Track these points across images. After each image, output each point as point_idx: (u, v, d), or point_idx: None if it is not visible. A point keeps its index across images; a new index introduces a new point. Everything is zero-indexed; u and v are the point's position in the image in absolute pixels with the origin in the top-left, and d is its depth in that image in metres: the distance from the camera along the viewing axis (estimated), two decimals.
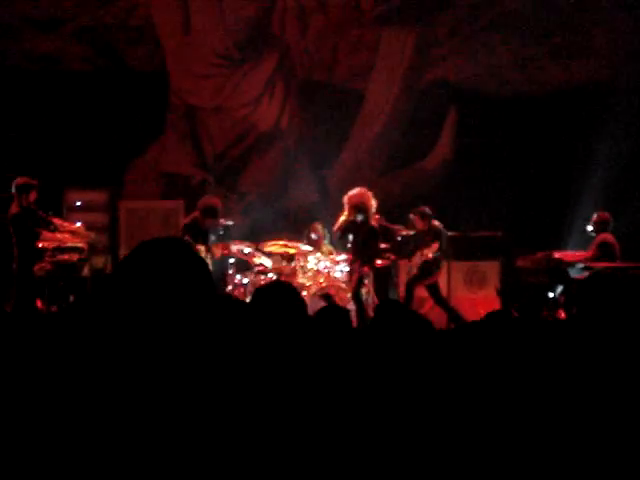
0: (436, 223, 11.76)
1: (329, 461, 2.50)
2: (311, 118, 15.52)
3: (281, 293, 3.73)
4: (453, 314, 11.62)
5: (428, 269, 11.62)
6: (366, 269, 11.24)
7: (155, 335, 2.11)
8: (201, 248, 10.97)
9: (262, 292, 3.83)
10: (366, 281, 11.27)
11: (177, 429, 2.08)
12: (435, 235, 11.65)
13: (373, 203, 11.20)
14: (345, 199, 11.28)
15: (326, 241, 12.67)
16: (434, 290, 11.83)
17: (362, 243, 11.17)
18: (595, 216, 11.86)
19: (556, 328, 3.68)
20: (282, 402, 2.60)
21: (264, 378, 2.70)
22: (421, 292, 12.06)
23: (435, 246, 11.55)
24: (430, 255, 11.51)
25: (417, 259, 11.70)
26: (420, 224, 11.74)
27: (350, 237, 11.38)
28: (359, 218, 11.13)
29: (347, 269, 11.92)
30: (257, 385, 2.54)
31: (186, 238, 10.72)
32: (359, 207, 11.11)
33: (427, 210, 11.81)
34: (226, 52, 15.47)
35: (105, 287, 2.21)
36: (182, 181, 15.37)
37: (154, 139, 15.48)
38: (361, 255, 11.19)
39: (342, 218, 11.32)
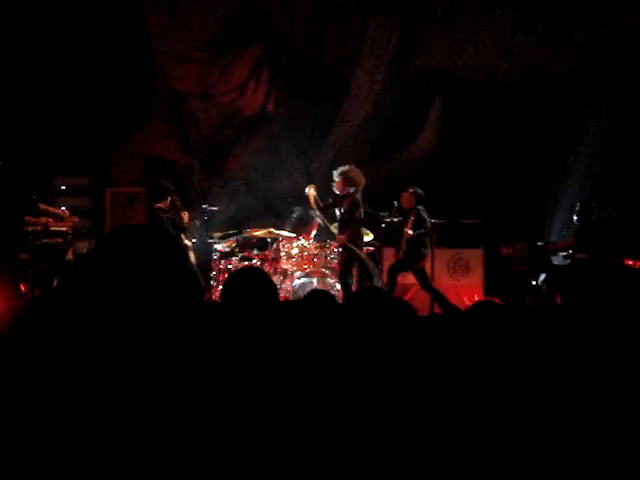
0: (420, 207, 11.70)
1: (311, 448, 2.51)
2: (297, 104, 15.50)
3: (251, 278, 3.75)
4: (441, 299, 11.58)
5: (413, 250, 11.52)
6: (342, 239, 11.19)
7: (131, 321, 2.12)
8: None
9: (233, 277, 3.87)
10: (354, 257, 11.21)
11: (158, 415, 2.08)
12: (416, 214, 11.55)
13: (363, 179, 11.21)
14: (336, 173, 11.24)
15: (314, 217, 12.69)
16: (421, 275, 11.77)
17: (347, 215, 11.13)
18: (578, 205, 11.89)
19: (539, 316, 3.70)
20: (259, 388, 2.62)
21: (236, 361, 2.72)
22: (405, 279, 12.07)
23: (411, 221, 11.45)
24: (410, 232, 11.40)
25: (403, 243, 11.65)
26: (407, 202, 11.67)
27: (337, 212, 11.34)
28: (350, 191, 11.12)
29: (332, 255, 11.94)
30: (231, 368, 2.55)
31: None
32: (351, 180, 11.11)
33: (419, 191, 11.76)
34: (212, 37, 15.43)
35: (81, 271, 2.21)
36: (167, 166, 15.34)
37: (140, 124, 15.45)
38: (346, 228, 11.15)
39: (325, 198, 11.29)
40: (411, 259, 11.53)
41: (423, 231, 11.47)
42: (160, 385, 2.11)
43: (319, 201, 11.42)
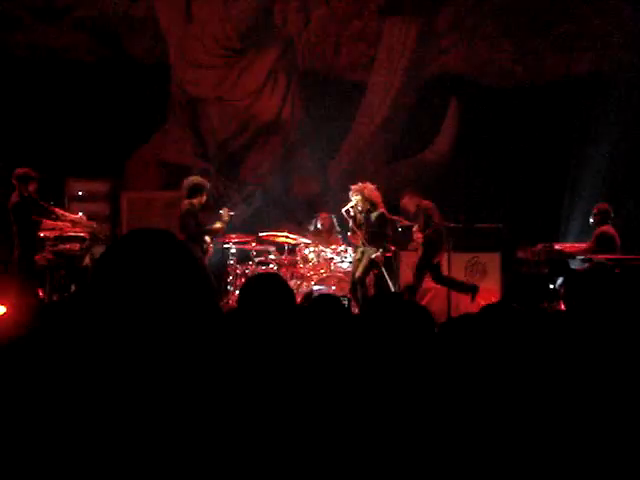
0: (426, 203, 11.77)
1: (320, 453, 2.51)
2: (313, 109, 15.51)
3: (269, 283, 3.75)
4: (456, 285, 11.67)
5: (429, 244, 11.58)
6: (380, 256, 11.23)
7: (142, 328, 2.12)
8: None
9: (251, 283, 3.86)
10: (375, 271, 11.23)
11: (169, 422, 2.08)
12: (425, 217, 11.61)
13: (377, 193, 11.24)
14: (351, 192, 11.26)
15: (336, 230, 12.72)
16: (437, 274, 11.80)
17: (375, 230, 11.15)
18: (595, 208, 11.85)
19: (556, 320, 3.68)
20: (272, 392, 2.61)
21: (253, 368, 2.72)
22: (425, 283, 12.05)
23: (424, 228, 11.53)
24: (420, 236, 11.49)
25: (415, 243, 11.71)
26: (409, 205, 11.82)
27: (361, 223, 11.34)
28: (367, 207, 11.16)
29: (349, 259, 11.96)
30: (246, 374, 2.55)
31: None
32: (369, 199, 11.13)
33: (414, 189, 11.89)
34: (228, 43, 15.47)
35: (92, 276, 2.20)
36: (183, 171, 15.37)
37: (156, 129, 15.49)
38: (373, 242, 11.16)
39: (350, 204, 11.29)
40: (429, 255, 11.58)
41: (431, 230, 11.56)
42: (172, 389, 2.11)
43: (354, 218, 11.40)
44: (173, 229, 13.07)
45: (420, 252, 11.62)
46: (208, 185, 11.25)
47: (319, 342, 3.67)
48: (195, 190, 11.01)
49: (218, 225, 11.19)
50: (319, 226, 12.78)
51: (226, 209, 11.39)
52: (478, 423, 2.83)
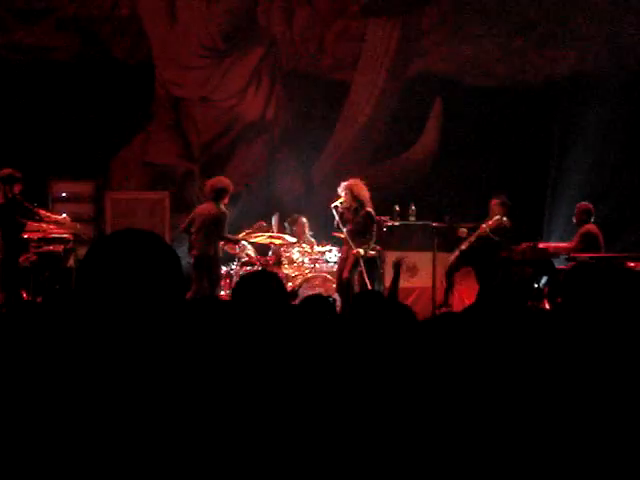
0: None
1: (311, 452, 2.51)
2: (297, 109, 15.51)
3: (264, 282, 3.75)
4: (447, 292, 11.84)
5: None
6: (360, 253, 11.22)
7: (125, 326, 2.12)
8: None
9: (245, 281, 3.85)
10: (359, 268, 11.19)
11: (156, 421, 2.08)
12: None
13: (366, 192, 11.21)
14: (341, 190, 11.21)
15: (308, 233, 12.71)
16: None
17: (360, 228, 11.13)
18: (577, 207, 11.91)
19: (540, 318, 3.68)
20: (263, 392, 2.62)
21: (244, 367, 2.72)
22: (406, 283, 12.07)
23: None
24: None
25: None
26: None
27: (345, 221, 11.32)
28: (355, 205, 11.11)
29: (333, 259, 11.97)
30: (236, 372, 2.55)
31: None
32: (357, 196, 11.10)
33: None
34: (212, 43, 15.45)
35: (78, 275, 2.21)
36: (168, 172, 15.36)
37: (140, 130, 15.45)
38: (358, 240, 11.11)
39: (339, 201, 11.26)
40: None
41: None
42: (155, 386, 2.11)
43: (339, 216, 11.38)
44: (157, 229, 13.08)
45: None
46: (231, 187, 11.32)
47: (307, 342, 3.67)
48: (224, 192, 11.05)
49: (242, 235, 11.49)
50: (293, 229, 12.77)
51: (260, 222, 11.69)
52: (459, 421, 2.83)
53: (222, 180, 11.28)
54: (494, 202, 12.08)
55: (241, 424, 2.28)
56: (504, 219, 11.75)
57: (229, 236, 11.29)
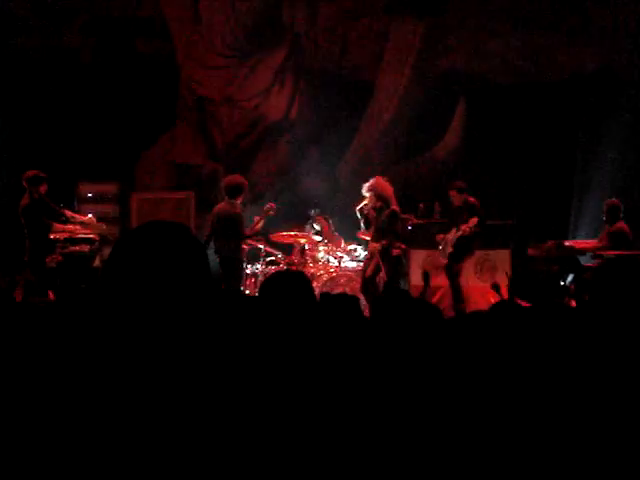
0: (472, 199, 11.68)
1: (332, 453, 2.50)
2: (321, 109, 15.51)
3: (290, 281, 3.74)
4: (456, 296, 11.62)
5: (464, 245, 11.55)
6: (396, 251, 11.20)
7: (149, 321, 2.12)
8: None
9: (272, 280, 3.84)
10: (380, 265, 11.15)
11: (179, 422, 2.08)
12: (471, 210, 11.55)
13: (390, 189, 11.16)
14: (365, 190, 11.18)
15: (334, 232, 12.70)
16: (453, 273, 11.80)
17: (385, 227, 11.08)
18: (605, 205, 11.81)
19: (567, 316, 3.66)
20: (288, 390, 2.61)
21: (269, 366, 2.71)
22: (434, 280, 12.01)
23: (474, 220, 11.43)
24: (467, 230, 11.41)
25: (451, 235, 11.64)
26: (457, 199, 11.69)
27: (371, 220, 11.28)
28: (379, 204, 11.07)
29: (359, 259, 11.95)
30: (261, 372, 2.55)
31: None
32: (381, 195, 11.06)
33: (462, 184, 11.76)
34: (236, 43, 15.47)
35: (105, 270, 2.21)
36: (193, 172, 15.40)
37: (165, 131, 15.51)
38: (382, 238, 11.07)
39: (364, 203, 11.23)
40: (462, 250, 11.58)
41: (478, 229, 11.50)
42: (184, 392, 2.11)
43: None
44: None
45: (453, 246, 11.64)
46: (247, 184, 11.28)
47: (332, 340, 3.66)
48: (239, 189, 11.01)
49: (261, 224, 11.33)
50: (316, 227, 12.76)
51: (270, 204, 11.48)
52: (487, 420, 2.82)
53: (236, 178, 11.24)
54: (452, 193, 11.89)
55: (264, 419, 2.27)
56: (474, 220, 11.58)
57: (248, 232, 11.16)
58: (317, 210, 12.91)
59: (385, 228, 11.03)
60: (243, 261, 11.28)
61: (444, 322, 3.71)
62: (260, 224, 11.30)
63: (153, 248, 2.17)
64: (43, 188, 11.06)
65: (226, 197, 11.03)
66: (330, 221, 12.76)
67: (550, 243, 11.92)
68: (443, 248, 11.84)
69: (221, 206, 11.07)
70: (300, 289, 3.72)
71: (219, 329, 2.25)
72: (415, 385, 3.00)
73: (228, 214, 10.90)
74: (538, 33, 15.23)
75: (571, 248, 11.86)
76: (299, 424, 2.45)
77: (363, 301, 10.82)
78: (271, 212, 11.29)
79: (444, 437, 2.72)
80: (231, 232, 10.83)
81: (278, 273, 4.06)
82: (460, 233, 11.51)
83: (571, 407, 2.90)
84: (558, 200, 14.46)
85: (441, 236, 11.93)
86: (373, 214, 11.16)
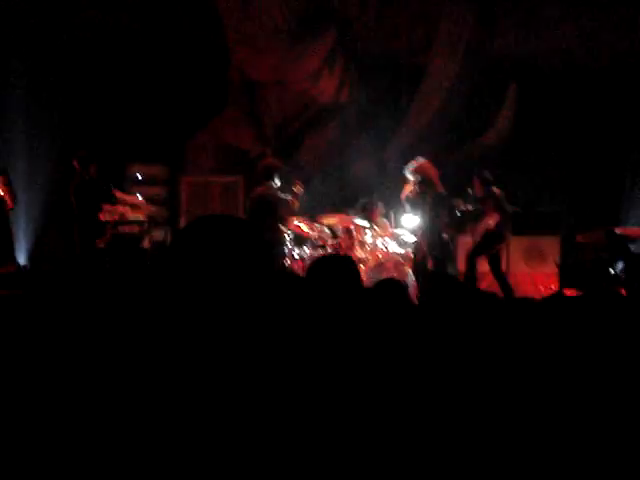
0: (495, 190, 11.56)
1: (386, 439, 2.49)
2: (371, 92, 15.45)
3: (337, 265, 3.73)
4: (507, 291, 11.46)
5: (490, 239, 11.45)
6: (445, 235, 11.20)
7: (209, 309, 2.13)
8: None
9: (319, 264, 3.83)
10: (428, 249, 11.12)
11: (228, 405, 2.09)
12: (494, 202, 11.45)
13: (434, 172, 11.13)
14: (408, 172, 11.17)
15: (382, 217, 12.66)
16: (494, 262, 11.66)
17: (430, 211, 11.05)
18: None
19: (618, 305, 3.61)
20: (333, 374, 2.61)
21: (316, 351, 2.71)
22: (482, 266, 11.95)
23: (496, 217, 11.34)
24: (492, 226, 11.33)
25: (481, 228, 11.56)
26: (479, 190, 11.59)
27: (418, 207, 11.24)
28: (424, 188, 11.04)
29: (407, 243, 11.92)
30: (307, 357, 2.54)
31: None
32: (423, 177, 11.04)
33: (489, 176, 11.63)
34: (286, 26, 15.42)
35: (161, 260, 2.22)
36: (242, 155, 15.42)
37: (215, 114, 15.55)
38: (429, 223, 11.06)
39: (409, 190, 11.21)
40: (490, 241, 11.45)
41: (502, 225, 11.38)
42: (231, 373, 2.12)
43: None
44: (231, 212, 13.15)
45: (482, 237, 11.52)
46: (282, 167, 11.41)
47: (380, 325, 3.65)
48: (272, 171, 11.14)
49: (297, 205, 11.42)
50: (366, 212, 12.75)
51: (298, 184, 11.57)
52: (543, 410, 2.79)
53: (269, 160, 11.43)
54: (476, 182, 11.74)
55: (309, 402, 2.28)
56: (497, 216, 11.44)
57: (283, 213, 11.20)
58: (370, 198, 12.90)
59: (431, 213, 11.01)
60: (283, 244, 11.29)
61: (498, 308, 3.68)
62: (295, 205, 11.42)
63: (218, 240, 2.18)
64: (93, 168, 11.15)
65: (262, 180, 11.16)
66: (379, 205, 12.72)
67: (599, 230, 11.81)
68: (474, 238, 11.79)
69: (257, 190, 11.22)
70: (347, 274, 3.71)
71: (272, 311, 2.25)
72: (465, 374, 2.98)
73: (263, 196, 11.03)
74: (590, 17, 15.04)
75: (622, 235, 11.74)
76: (343, 409, 2.44)
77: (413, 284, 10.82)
78: (300, 190, 11.45)
79: (505, 428, 2.69)
80: (266, 214, 10.90)
81: (325, 257, 4.05)
82: (485, 227, 11.45)
83: (624, 398, 2.86)
84: (609, 187, 14.31)
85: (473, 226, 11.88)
86: (418, 199, 11.13)
